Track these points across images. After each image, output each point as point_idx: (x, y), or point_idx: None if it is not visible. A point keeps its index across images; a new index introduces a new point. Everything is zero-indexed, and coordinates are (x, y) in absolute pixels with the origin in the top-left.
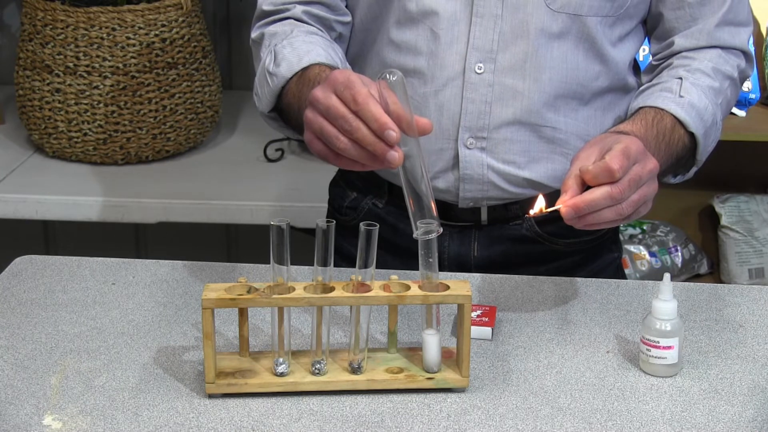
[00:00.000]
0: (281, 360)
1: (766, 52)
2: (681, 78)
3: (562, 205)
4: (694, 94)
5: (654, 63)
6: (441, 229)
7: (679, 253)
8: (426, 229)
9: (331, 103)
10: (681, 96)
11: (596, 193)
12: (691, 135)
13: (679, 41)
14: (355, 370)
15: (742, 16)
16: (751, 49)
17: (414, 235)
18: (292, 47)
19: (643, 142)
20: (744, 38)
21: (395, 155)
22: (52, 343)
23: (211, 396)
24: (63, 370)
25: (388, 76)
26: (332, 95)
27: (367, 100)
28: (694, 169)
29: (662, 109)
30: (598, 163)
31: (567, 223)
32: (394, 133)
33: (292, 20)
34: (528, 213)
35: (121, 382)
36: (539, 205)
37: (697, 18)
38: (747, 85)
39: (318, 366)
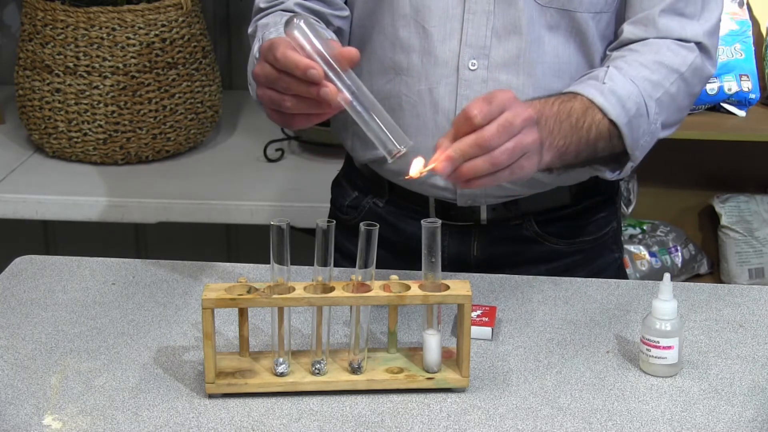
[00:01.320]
0: (281, 360)
1: (766, 52)
2: (609, 66)
3: (436, 163)
4: (618, 81)
5: (608, 53)
6: (411, 142)
7: (679, 253)
8: (394, 150)
9: (265, 71)
10: (603, 83)
11: (464, 140)
12: (616, 125)
13: (628, 28)
14: (355, 370)
15: (693, 8)
16: (714, 46)
17: (389, 161)
18: (278, 33)
19: (538, 115)
20: (697, 31)
21: (327, 90)
22: (52, 343)
23: (211, 396)
24: (63, 370)
25: (294, 21)
26: (265, 64)
27: (284, 53)
28: (630, 165)
29: (577, 93)
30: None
31: (447, 180)
32: (314, 70)
33: (283, 11)
34: (408, 176)
35: (121, 382)
36: (417, 167)
37: (644, 7)
38: (747, 85)
39: (318, 366)
